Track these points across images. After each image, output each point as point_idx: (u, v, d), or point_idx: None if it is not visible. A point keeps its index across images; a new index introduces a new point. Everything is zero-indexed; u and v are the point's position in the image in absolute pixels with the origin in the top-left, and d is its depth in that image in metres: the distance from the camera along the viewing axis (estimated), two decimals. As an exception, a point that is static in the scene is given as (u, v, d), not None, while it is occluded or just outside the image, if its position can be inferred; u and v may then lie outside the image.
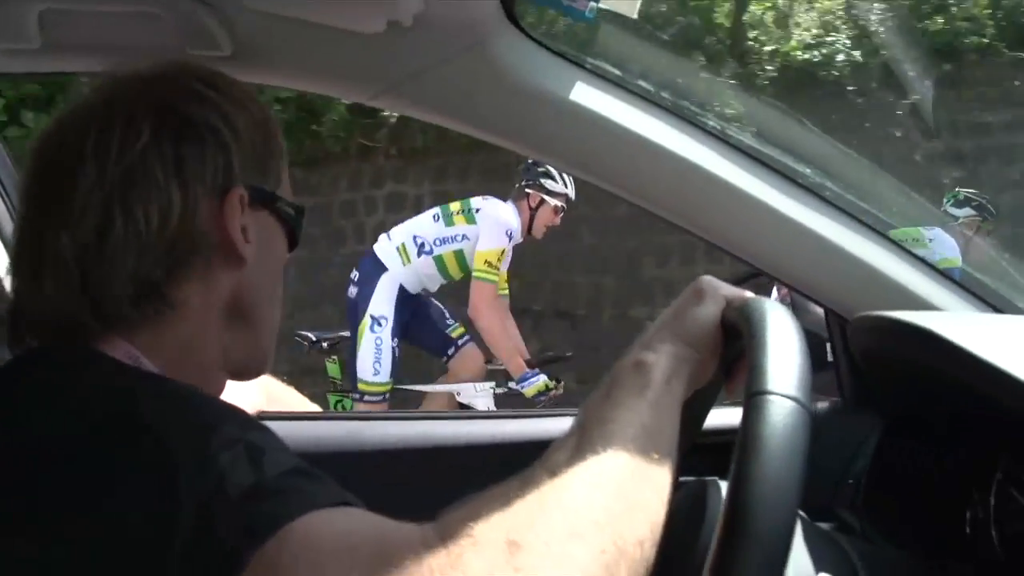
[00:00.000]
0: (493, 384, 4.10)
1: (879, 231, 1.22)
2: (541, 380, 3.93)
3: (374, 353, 3.91)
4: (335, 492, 0.62)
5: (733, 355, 0.77)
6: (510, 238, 3.93)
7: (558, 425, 1.28)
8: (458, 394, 4.11)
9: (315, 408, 1.37)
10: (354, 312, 4.00)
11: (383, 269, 3.95)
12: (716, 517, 0.72)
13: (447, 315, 4.22)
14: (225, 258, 0.78)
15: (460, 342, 4.15)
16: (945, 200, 4.65)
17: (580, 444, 0.65)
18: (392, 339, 3.92)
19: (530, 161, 4.00)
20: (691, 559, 0.70)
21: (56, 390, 0.68)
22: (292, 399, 1.29)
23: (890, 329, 0.93)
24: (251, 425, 0.65)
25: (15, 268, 0.77)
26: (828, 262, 1.15)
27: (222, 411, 0.66)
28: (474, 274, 3.91)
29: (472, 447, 1.26)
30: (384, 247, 4.02)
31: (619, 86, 1.13)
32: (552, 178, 4.01)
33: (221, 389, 0.84)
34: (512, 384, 4.02)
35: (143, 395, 0.66)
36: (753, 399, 0.62)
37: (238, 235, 0.77)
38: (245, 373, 0.86)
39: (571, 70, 1.11)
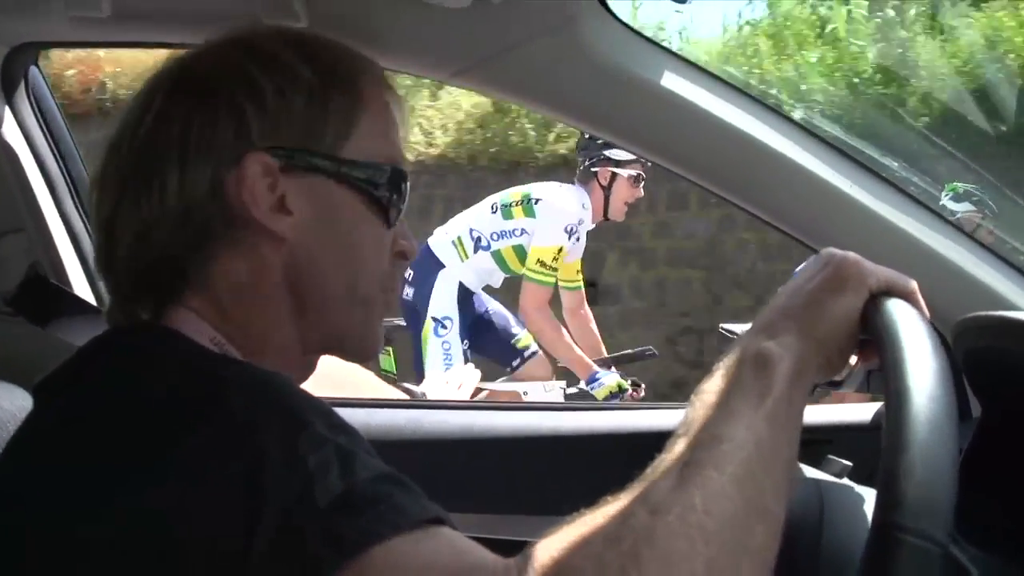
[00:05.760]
0: (564, 383, 3.61)
1: (958, 227, 1.19)
2: (613, 381, 3.43)
3: (443, 360, 3.45)
4: (424, 507, 0.58)
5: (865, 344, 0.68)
6: (570, 235, 3.48)
7: (627, 420, 1.25)
8: (525, 393, 3.61)
9: (381, 384, 1.34)
10: (413, 316, 3.55)
11: (440, 266, 3.53)
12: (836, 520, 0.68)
13: (512, 323, 3.71)
14: (264, 232, 0.72)
15: (526, 353, 3.63)
16: (943, 194, 4.17)
17: (686, 472, 0.57)
18: (462, 341, 3.49)
19: (587, 136, 3.57)
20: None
21: (132, 372, 0.66)
22: (362, 379, 1.25)
23: (1005, 328, 0.89)
24: (340, 425, 0.62)
25: None
26: (914, 261, 1.11)
27: (310, 407, 0.62)
28: (526, 272, 3.48)
29: (536, 439, 1.23)
30: (439, 241, 3.59)
31: (704, 73, 1.09)
32: (617, 145, 3.48)
33: (308, 372, 0.81)
34: (582, 385, 3.55)
35: (228, 380, 0.63)
36: (887, 532, 0.53)
37: (257, 206, 0.71)
38: (343, 354, 0.82)
39: (657, 55, 1.07)
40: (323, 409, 0.63)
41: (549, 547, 0.56)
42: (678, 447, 0.60)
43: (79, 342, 1.04)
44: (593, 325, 3.82)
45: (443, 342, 3.47)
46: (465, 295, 3.55)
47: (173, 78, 0.75)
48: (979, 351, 0.92)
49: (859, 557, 0.56)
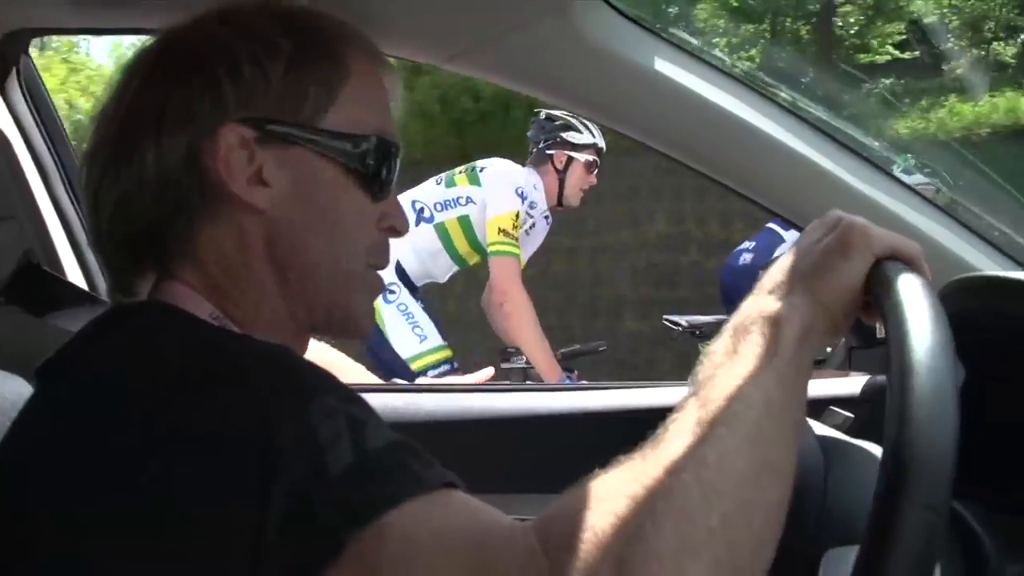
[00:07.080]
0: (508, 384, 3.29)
1: (935, 203, 1.22)
2: None
3: (405, 321, 3.05)
4: (437, 471, 0.59)
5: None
6: (523, 198, 3.19)
7: (624, 399, 1.27)
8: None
9: (370, 376, 1.35)
10: None
11: None
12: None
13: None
14: (242, 205, 0.72)
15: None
16: (894, 166, 4.04)
17: (698, 430, 0.58)
18: (416, 301, 3.12)
19: (543, 116, 3.37)
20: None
21: (139, 349, 0.66)
22: (345, 366, 1.26)
23: (996, 286, 0.89)
24: (348, 394, 0.62)
25: None
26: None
27: (318, 378, 0.63)
28: (490, 249, 3.14)
29: (533, 419, 1.25)
30: None
31: (694, 56, 1.12)
32: (575, 129, 3.26)
33: (302, 351, 0.80)
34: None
35: (235, 352, 0.64)
36: (890, 505, 0.54)
37: (233, 177, 0.71)
38: (331, 330, 0.81)
39: (648, 39, 1.09)
40: (332, 380, 0.63)
41: (565, 505, 0.57)
42: (689, 406, 0.61)
43: (74, 328, 1.04)
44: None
45: (398, 304, 3.06)
46: (406, 282, 3.14)
47: (155, 51, 0.76)
48: (967, 312, 0.95)
49: (865, 514, 0.58)
